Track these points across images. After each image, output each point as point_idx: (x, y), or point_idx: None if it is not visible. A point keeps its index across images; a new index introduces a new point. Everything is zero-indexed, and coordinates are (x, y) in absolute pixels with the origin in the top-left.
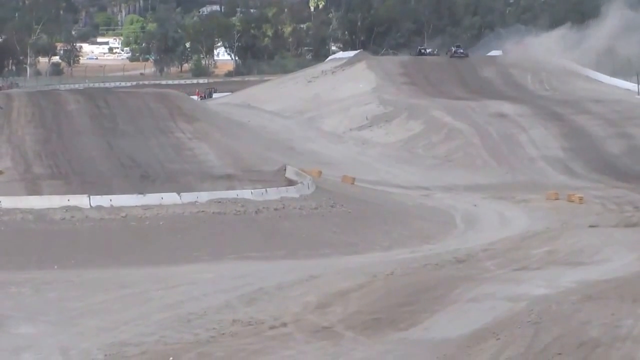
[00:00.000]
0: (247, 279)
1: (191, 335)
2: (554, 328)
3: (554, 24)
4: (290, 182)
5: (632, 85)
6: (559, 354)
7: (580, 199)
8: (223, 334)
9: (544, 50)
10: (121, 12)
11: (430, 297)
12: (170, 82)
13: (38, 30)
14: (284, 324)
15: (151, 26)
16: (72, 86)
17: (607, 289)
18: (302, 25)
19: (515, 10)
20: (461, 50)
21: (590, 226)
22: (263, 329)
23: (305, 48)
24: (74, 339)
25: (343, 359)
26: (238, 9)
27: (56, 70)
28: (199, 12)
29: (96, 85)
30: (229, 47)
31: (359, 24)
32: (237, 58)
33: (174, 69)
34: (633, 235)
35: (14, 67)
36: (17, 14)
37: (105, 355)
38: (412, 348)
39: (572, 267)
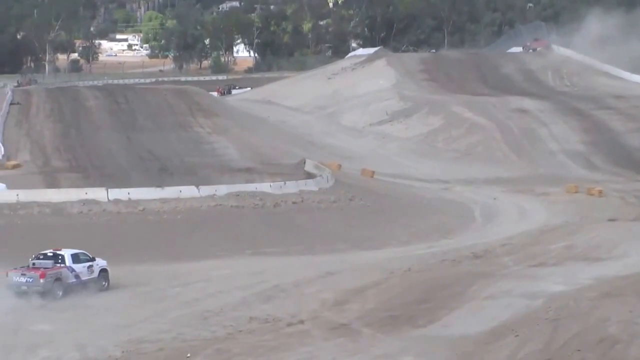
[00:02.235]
0: (264, 275)
1: (208, 332)
2: (572, 325)
3: (575, 20)
4: (309, 176)
5: None
6: (578, 350)
7: (600, 192)
8: (240, 331)
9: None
10: (140, 8)
11: (447, 294)
12: (189, 78)
13: (57, 27)
14: (301, 321)
15: (170, 23)
16: (91, 83)
17: (625, 285)
18: (321, 22)
19: (536, 7)
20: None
21: (609, 220)
22: (280, 326)
23: (325, 45)
24: (90, 336)
25: (361, 356)
26: (257, 6)
27: (75, 67)
28: (219, 8)
29: (115, 82)
30: (249, 44)
31: (378, 20)
32: (256, 55)
33: (193, 66)
34: None
35: (32, 64)
36: (35, 11)
37: (123, 351)
38: (430, 345)
39: (589, 262)
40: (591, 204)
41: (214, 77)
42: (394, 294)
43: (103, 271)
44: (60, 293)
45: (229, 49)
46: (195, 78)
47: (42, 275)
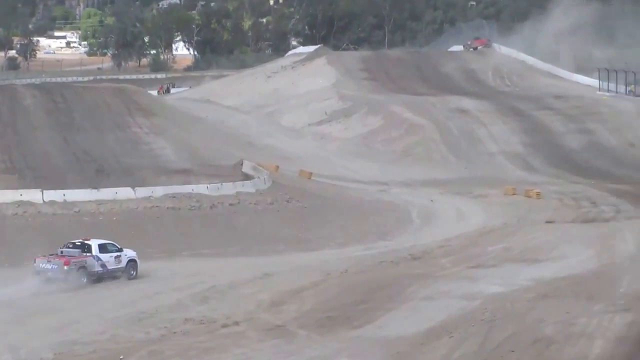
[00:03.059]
0: (200, 277)
1: (142, 334)
2: (508, 326)
3: (517, 19)
4: (247, 177)
5: (593, 82)
6: (512, 351)
7: (538, 194)
8: (174, 332)
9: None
10: (79, 5)
11: (384, 295)
12: (128, 77)
13: None
14: (237, 323)
15: (109, 20)
16: (28, 81)
17: (562, 286)
18: (262, 20)
19: (477, 5)
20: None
21: (547, 222)
22: (215, 328)
23: (265, 42)
24: (23, 338)
25: (296, 357)
26: (199, 3)
27: (12, 64)
28: (159, 5)
29: (53, 79)
30: (188, 42)
31: (319, 17)
32: (195, 53)
33: (132, 64)
34: (589, 231)
35: None
36: None
37: (55, 354)
38: (365, 346)
39: (527, 264)
40: (529, 205)
41: (152, 76)
42: (331, 296)
43: (131, 261)
44: (85, 280)
45: (168, 46)
46: (134, 76)
47: (66, 263)
